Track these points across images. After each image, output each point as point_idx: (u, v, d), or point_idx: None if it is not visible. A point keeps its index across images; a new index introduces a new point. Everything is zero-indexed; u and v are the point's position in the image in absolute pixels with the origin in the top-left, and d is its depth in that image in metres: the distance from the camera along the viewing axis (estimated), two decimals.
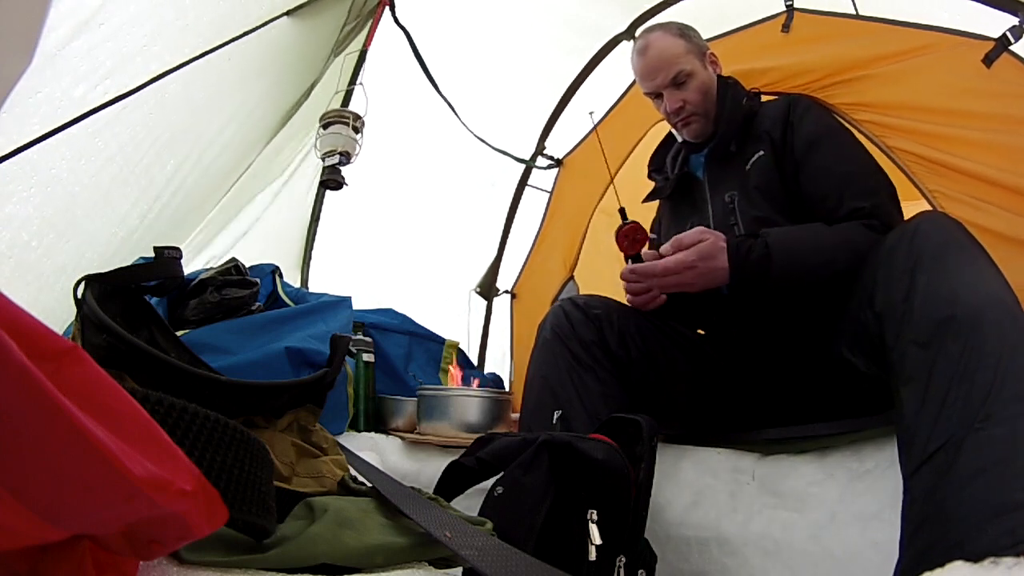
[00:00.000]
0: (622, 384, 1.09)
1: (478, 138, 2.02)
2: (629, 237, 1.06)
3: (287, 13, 1.39)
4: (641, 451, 0.81)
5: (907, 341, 0.70)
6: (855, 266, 0.90)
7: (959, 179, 1.14)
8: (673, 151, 1.34)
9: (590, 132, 2.09)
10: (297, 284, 2.16)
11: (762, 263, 0.96)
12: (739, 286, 0.99)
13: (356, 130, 1.60)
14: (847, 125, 1.21)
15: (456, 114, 1.93)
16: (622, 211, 1.09)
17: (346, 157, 1.59)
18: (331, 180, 1.58)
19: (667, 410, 1.12)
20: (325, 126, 1.60)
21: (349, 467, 0.75)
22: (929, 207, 1.19)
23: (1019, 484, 0.54)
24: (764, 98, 1.27)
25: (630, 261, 1.07)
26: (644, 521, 0.79)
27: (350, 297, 1.41)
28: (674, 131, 1.29)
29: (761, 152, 1.14)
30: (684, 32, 1.22)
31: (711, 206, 1.19)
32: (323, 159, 1.59)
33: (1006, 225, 1.07)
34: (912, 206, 1.06)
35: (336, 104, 1.80)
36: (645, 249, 1.07)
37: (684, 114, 1.20)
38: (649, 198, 1.37)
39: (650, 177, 1.38)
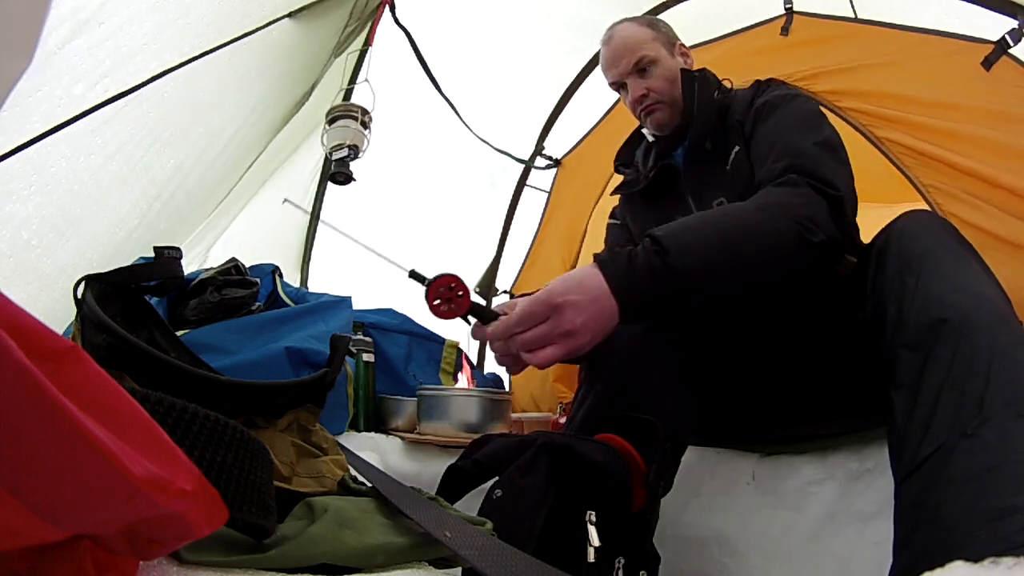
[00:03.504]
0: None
1: (480, 139, 2.02)
2: (443, 296, 0.76)
3: (289, 15, 1.39)
4: (652, 453, 0.80)
5: (898, 345, 0.70)
6: (789, 255, 0.79)
7: (954, 175, 1.13)
8: (643, 147, 1.27)
9: (587, 134, 2.09)
10: (297, 284, 2.16)
11: (651, 267, 0.74)
12: (636, 310, 0.74)
13: (364, 124, 1.60)
14: (828, 113, 1.08)
15: (458, 115, 1.93)
16: (412, 273, 0.78)
17: (354, 151, 1.58)
18: (339, 173, 1.57)
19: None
20: (331, 121, 1.60)
21: (349, 467, 0.75)
22: (925, 204, 1.18)
23: (1012, 489, 0.54)
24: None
25: (469, 322, 0.80)
26: (653, 523, 0.79)
27: (350, 297, 1.41)
28: (641, 124, 1.21)
29: (737, 147, 1.07)
30: (652, 22, 1.18)
31: (696, 212, 1.10)
32: (331, 153, 1.59)
33: (1005, 228, 1.06)
34: (911, 207, 1.05)
35: (338, 102, 1.80)
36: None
37: (647, 102, 1.14)
38: (619, 190, 1.27)
39: (618, 171, 1.31)
